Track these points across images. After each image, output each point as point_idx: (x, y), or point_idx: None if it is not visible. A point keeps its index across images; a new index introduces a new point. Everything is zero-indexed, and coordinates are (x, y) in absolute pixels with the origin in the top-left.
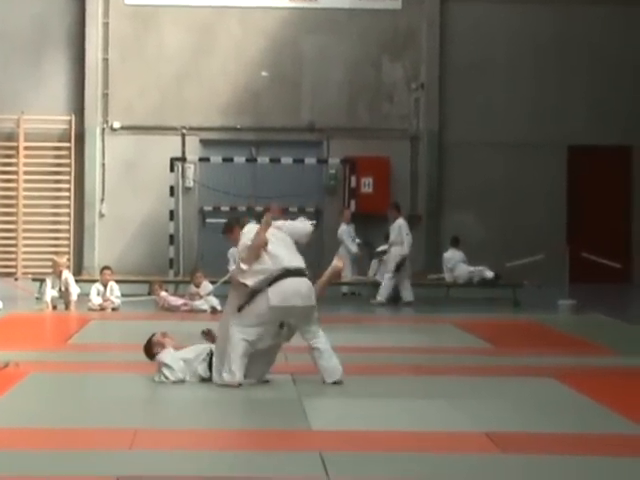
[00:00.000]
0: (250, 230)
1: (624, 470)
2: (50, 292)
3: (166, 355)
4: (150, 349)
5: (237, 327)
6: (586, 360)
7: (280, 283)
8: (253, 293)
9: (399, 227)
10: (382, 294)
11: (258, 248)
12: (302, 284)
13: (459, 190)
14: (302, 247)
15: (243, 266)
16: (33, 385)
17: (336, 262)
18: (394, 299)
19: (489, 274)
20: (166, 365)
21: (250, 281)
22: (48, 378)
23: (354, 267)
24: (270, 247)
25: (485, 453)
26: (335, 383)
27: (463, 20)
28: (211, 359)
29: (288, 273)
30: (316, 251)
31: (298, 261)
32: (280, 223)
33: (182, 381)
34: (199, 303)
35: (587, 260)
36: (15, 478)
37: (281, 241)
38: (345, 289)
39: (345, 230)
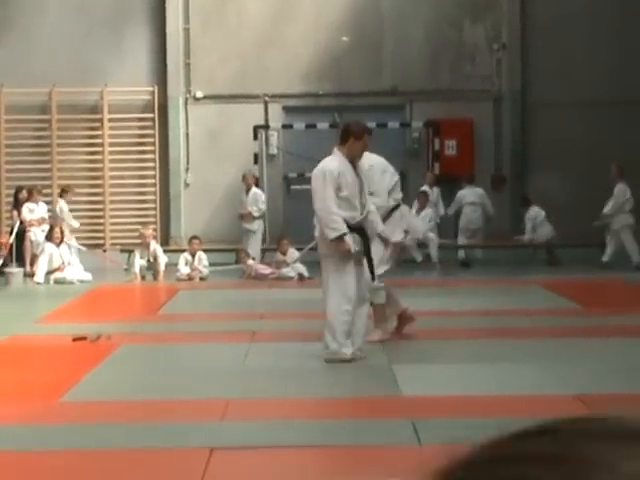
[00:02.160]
0: None
1: None
2: (138, 263)
3: None
4: None
5: None
6: None
7: None
8: None
9: None
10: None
11: None
12: None
13: (544, 151)
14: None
15: None
16: (125, 357)
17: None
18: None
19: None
20: None
21: None
22: (139, 350)
23: (437, 231)
24: None
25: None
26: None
27: None
28: None
29: None
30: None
31: None
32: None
33: None
34: (286, 271)
35: None
36: (112, 449)
37: None
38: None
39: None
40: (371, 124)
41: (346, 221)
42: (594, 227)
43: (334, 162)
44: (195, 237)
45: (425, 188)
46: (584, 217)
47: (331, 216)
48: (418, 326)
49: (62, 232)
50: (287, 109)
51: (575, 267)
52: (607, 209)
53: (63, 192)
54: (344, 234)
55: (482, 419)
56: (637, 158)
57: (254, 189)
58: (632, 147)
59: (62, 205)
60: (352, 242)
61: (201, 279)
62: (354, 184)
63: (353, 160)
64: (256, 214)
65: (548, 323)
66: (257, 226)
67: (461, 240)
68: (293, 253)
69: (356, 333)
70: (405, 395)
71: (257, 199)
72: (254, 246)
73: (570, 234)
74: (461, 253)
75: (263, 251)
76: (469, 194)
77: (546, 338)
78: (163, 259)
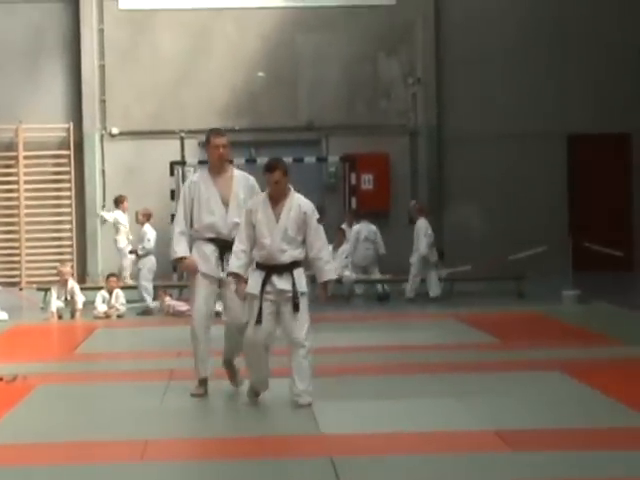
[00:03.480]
0: None
1: (637, 464)
2: (55, 302)
3: None
4: None
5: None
6: (593, 352)
7: None
8: None
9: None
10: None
11: None
12: None
13: (460, 184)
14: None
15: None
16: (41, 398)
17: None
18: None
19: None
20: None
21: None
22: (56, 390)
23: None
24: None
25: (495, 452)
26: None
27: (457, 13)
28: None
29: None
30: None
31: None
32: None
33: None
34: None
35: (589, 249)
36: None
37: None
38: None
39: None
40: (288, 159)
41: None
42: (510, 260)
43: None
44: (112, 274)
45: (344, 226)
46: (499, 250)
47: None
48: (335, 362)
49: None
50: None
51: (490, 300)
52: (421, 248)
53: None
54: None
55: (401, 456)
56: (551, 190)
57: (145, 226)
58: (547, 178)
59: None
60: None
61: (118, 317)
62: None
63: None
64: (140, 252)
65: (467, 357)
66: (141, 265)
67: (353, 276)
68: None
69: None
70: (324, 433)
71: (143, 237)
72: (142, 282)
73: (485, 267)
74: (379, 287)
75: (181, 287)
76: (363, 229)
77: (465, 373)
78: (80, 298)
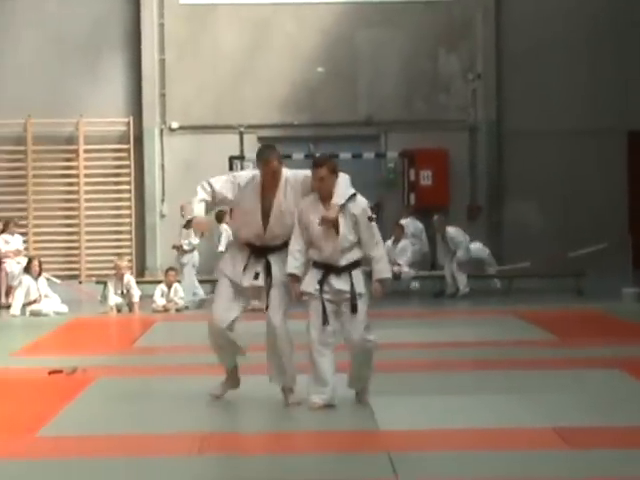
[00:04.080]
0: None
1: None
2: (113, 295)
3: None
4: None
5: None
6: None
7: None
8: None
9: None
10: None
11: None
12: None
13: (519, 180)
14: None
15: None
16: (100, 391)
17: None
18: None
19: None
20: None
21: None
22: (115, 383)
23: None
24: None
25: (553, 449)
26: None
27: (518, 7)
28: None
29: None
30: None
31: None
32: None
33: None
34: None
35: None
36: None
37: None
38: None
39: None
40: (346, 155)
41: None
42: (570, 257)
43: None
44: (171, 268)
45: (403, 221)
46: (559, 246)
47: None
48: (393, 358)
49: (40, 264)
50: (262, 139)
51: (550, 297)
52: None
53: None
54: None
55: (459, 452)
56: (611, 187)
57: None
58: (607, 175)
59: None
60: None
61: (177, 311)
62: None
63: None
64: (186, 247)
65: (525, 354)
66: (186, 260)
67: (412, 272)
68: None
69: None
70: (382, 429)
71: (189, 233)
72: (186, 279)
73: (545, 263)
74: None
75: None
76: (410, 225)
77: (523, 369)
78: (136, 291)
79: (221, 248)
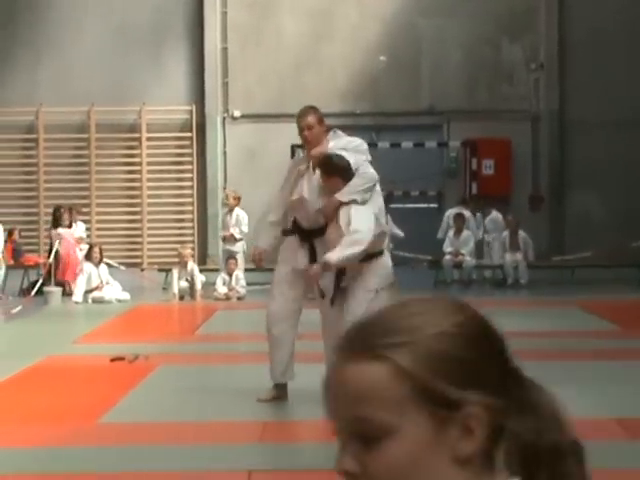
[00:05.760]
0: None
1: None
2: (177, 283)
3: None
4: None
5: None
6: None
7: None
8: None
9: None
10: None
11: None
12: None
13: (581, 169)
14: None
15: None
16: (163, 378)
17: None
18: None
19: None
20: None
21: None
22: (177, 370)
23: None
24: None
25: (615, 439)
26: None
27: None
28: None
29: None
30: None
31: None
32: None
33: None
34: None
35: None
36: (150, 472)
37: None
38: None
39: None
40: (408, 144)
41: None
42: (632, 247)
43: None
44: (232, 257)
45: (465, 212)
46: (622, 237)
47: None
48: None
49: (101, 251)
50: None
51: (612, 287)
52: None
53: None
54: None
55: None
56: None
57: (237, 210)
58: None
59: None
60: None
61: (238, 299)
62: None
63: None
64: (238, 236)
65: (586, 345)
66: (238, 248)
67: (473, 261)
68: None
69: None
70: None
71: (240, 221)
72: (241, 267)
73: (607, 253)
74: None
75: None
76: (471, 219)
77: (585, 360)
78: (200, 279)
79: (246, 230)
